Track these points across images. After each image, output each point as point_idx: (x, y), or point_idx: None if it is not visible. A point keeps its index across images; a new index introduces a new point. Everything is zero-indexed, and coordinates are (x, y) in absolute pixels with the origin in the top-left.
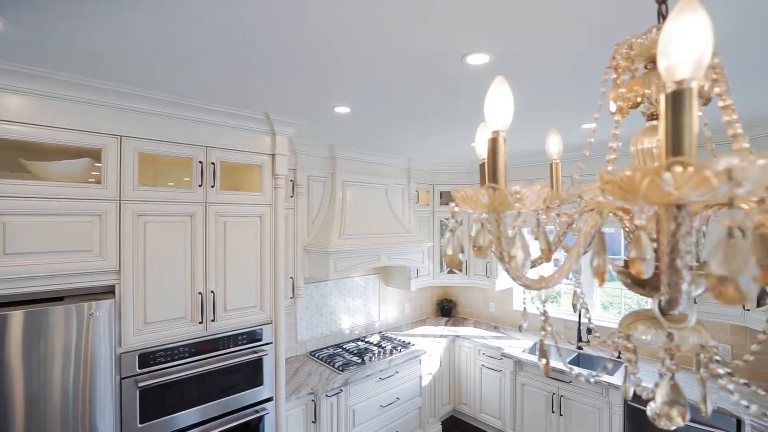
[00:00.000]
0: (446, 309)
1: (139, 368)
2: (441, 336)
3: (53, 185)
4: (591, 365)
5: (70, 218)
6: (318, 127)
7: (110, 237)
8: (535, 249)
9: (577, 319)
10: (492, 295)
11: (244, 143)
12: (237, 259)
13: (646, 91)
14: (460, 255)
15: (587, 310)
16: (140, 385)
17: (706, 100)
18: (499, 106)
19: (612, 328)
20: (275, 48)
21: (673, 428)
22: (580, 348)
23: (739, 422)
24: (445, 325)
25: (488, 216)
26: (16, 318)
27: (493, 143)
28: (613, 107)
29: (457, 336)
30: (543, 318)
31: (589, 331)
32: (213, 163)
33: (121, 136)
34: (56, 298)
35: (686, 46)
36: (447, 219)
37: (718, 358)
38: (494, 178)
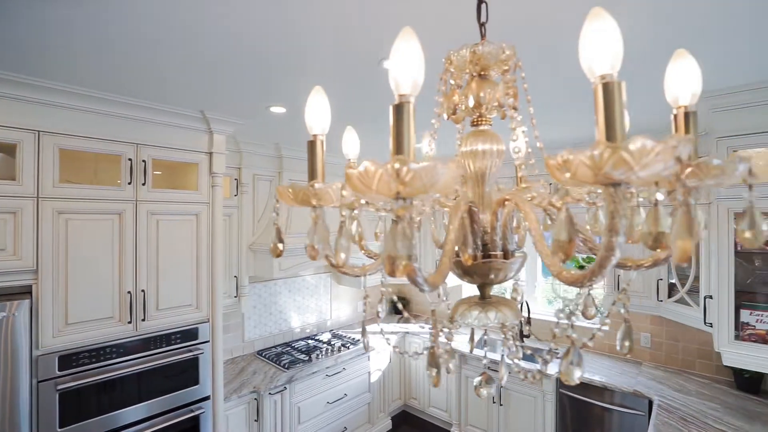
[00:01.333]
0: (399, 306)
1: (59, 370)
2: (392, 333)
3: None
4: (532, 357)
5: None
6: (259, 126)
7: (27, 235)
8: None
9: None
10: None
11: (178, 141)
12: (171, 258)
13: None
14: (280, 245)
15: (528, 306)
16: (59, 387)
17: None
18: (317, 113)
19: (543, 321)
20: (205, 47)
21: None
22: (522, 341)
23: (650, 402)
24: (398, 322)
25: (317, 211)
26: None
27: (311, 146)
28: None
29: (407, 332)
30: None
31: (529, 319)
32: (144, 161)
33: (38, 131)
34: None
35: (405, 71)
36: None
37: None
38: (313, 175)
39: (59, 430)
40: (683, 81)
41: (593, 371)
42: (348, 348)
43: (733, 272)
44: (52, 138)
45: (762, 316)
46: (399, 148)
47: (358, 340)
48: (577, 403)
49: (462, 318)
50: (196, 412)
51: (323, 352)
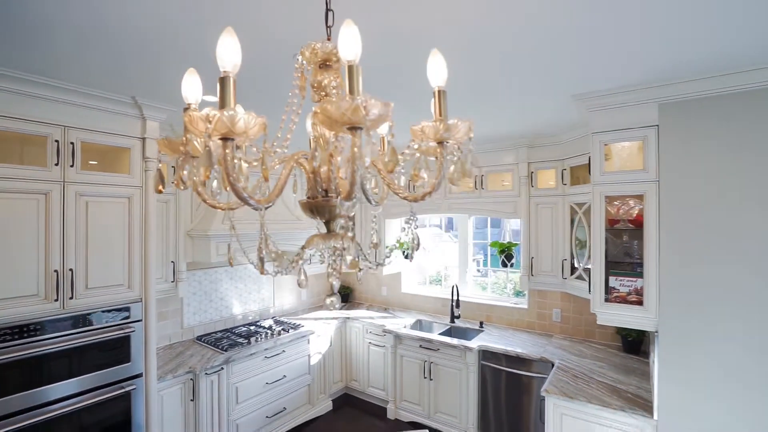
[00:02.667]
0: (343, 295)
1: None
2: (333, 318)
3: None
4: (461, 335)
5: None
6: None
7: None
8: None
9: (451, 299)
10: (384, 279)
11: (109, 125)
12: (102, 239)
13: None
14: (160, 186)
15: (457, 293)
16: None
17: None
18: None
19: (481, 303)
20: (131, 33)
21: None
22: (453, 321)
23: (553, 365)
24: (341, 309)
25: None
26: None
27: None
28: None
29: (348, 318)
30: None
31: (457, 303)
32: (72, 143)
33: None
34: None
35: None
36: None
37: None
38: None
39: None
40: (436, 71)
41: (511, 344)
42: (288, 332)
43: (604, 246)
44: None
45: (624, 281)
46: (223, 104)
47: (299, 324)
48: (495, 371)
49: (314, 244)
50: (128, 389)
51: (263, 336)
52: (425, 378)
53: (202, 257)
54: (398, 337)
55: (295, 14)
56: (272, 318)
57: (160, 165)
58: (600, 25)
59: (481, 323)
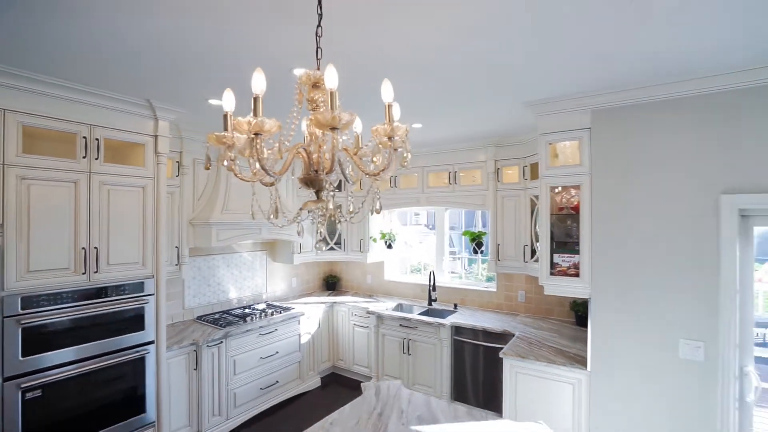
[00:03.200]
0: (331, 283)
1: (22, 309)
2: (321, 303)
3: None
4: (437, 315)
5: None
6: (200, 115)
7: None
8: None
9: (428, 286)
10: (368, 268)
11: (127, 124)
12: (121, 222)
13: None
14: (207, 164)
15: (433, 278)
16: (22, 323)
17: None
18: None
19: (456, 288)
20: (149, 48)
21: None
22: (430, 304)
23: (514, 335)
24: (328, 296)
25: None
26: None
27: (225, 117)
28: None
29: (335, 302)
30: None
31: (434, 287)
32: (97, 139)
33: (4, 109)
34: None
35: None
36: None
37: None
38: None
39: (21, 358)
40: (385, 92)
41: (480, 321)
42: (280, 313)
43: (550, 229)
44: (15, 115)
45: (565, 257)
46: (255, 113)
47: (291, 308)
48: (465, 345)
49: (308, 207)
50: (142, 353)
51: (257, 316)
52: (404, 353)
53: (204, 243)
54: (380, 318)
55: (286, 40)
56: (265, 303)
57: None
58: (538, 50)
59: (455, 305)
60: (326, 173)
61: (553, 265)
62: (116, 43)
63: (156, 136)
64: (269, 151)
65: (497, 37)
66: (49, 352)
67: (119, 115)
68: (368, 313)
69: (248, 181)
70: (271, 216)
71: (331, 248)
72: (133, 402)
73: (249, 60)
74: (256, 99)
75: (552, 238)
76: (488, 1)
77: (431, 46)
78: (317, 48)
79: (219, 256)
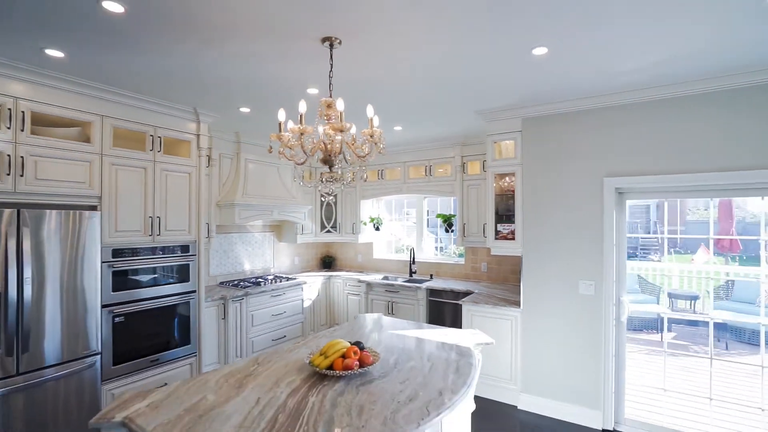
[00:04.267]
0: (327, 262)
1: (113, 258)
2: (320, 275)
3: (59, 141)
4: (416, 283)
5: (74, 162)
6: (231, 119)
7: (96, 175)
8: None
9: (410, 261)
10: (359, 248)
11: (179, 126)
12: (174, 199)
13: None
14: (269, 150)
15: (413, 254)
16: (113, 268)
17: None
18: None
19: (431, 262)
20: (204, 74)
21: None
22: (411, 276)
23: (472, 293)
24: (326, 272)
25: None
26: (49, 213)
27: (280, 125)
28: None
29: (332, 276)
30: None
31: (413, 261)
32: (159, 137)
33: (103, 115)
34: (67, 207)
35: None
36: (327, 193)
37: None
38: (280, 130)
39: (112, 293)
40: (369, 112)
41: (451, 285)
42: (287, 280)
43: (494, 206)
44: (109, 120)
45: (505, 226)
46: (302, 122)
47: (295, 278)
48: (437, 303)
49: (323, 176)
50: (187, 299)
51: (269, 282)
52: (389, 313)
53: (228, 221)
54: (369, 285)
55: (301, 71)
56: (272, 275)
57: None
58: (485, 75)
59: (431, 275)
60: (335, 156)
61: (497, 232)
62: (182, 71)
63: (198, 135)
64: (297, 144)
65: (451, 66)
66: (129, 291)
67: (173, 120)
68: (359, 282)
69: (291, 161)
70: (302, 180)
71: (328, 231)
72: (182, 335)
73: (275, 83)
74: (301, 116)
75: (496, 212)
76: (441, 45)
77: (403, 74)
78: (330, 82)
79: (236, 234)
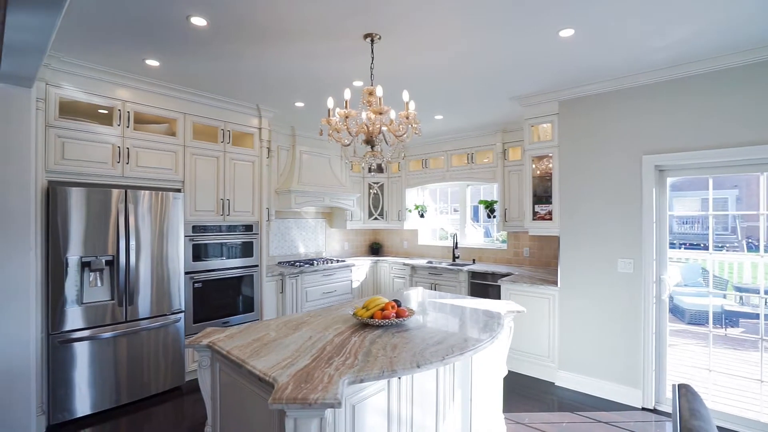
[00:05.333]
0: (375, 249)
1: (192, 232)
2: (368, 259)
3: (153, 135)
4: (459, 266)
5: (163, 152)
6: (288, 114)
7: (180, 163)
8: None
9: (453, 246)
10: (405, 235)
11: (244, 121)
12: (240, 183)
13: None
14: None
15: (456, 239)
16: (193, 242)
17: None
18: (330, 105)
19: (474, 248)
20: (264, 74)
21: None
22: (454, 260)
23: (511, 274)
24: (373, 257)
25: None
26: (145, 193)
27: (329, 111)
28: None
29: (378, 260)
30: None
31: (456, 246)
32: (229, 131)
33: (185, 113)
34: (158, 189)
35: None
36: (374, 183)
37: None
38: (329, 114)
39: (192, 262)
40: (405, 97)
41: (493, 269)
42: (337, 262)
43: (532, 188)
44: (190, 117)
45: (543, 207)
46: (347, 107)
47: (345, 261)
48: (479, 285)
49: (368, 156)
50: (252, 272)
51: (321, 262)
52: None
53: (285, 206)
54: (414, 268)
55: (347, 66)
56: (324, 258)
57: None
58: (516, 61)
59: (474, 260)
60: (376, 136)
61: (534, 213)
62: (248, 71)
63: (260, 129)
64: (343, 127)
65: (483, 55)
66: (205, 261)
67: (240, 115)
68: (404, 265)
69: (338, 142)
70: (350, 162)
71: (375, 218)
72: (246, 303)
73: (325, 78)
74: (346, 102)
75: (534, 194)
76: (472, 35)
77: (439, 65)
78: (371, 73)
79: (292, 220)
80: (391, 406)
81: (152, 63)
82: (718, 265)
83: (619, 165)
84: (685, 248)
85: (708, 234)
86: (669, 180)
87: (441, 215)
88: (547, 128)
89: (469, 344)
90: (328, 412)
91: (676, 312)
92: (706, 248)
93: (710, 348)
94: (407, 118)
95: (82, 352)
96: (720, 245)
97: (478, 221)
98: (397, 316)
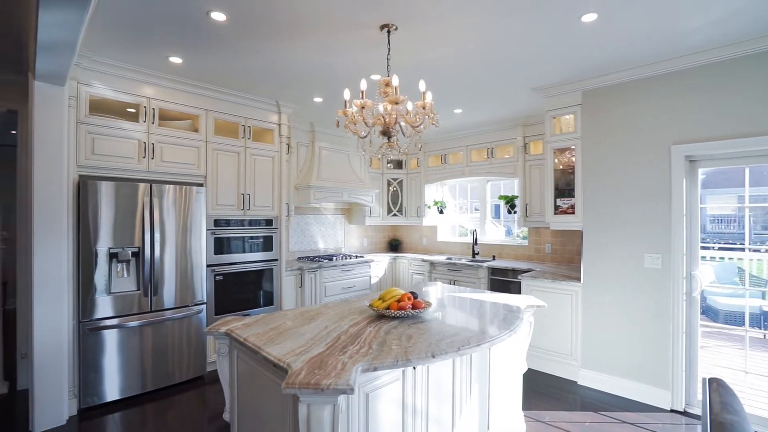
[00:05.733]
0: (394, 245)
1: (213, 226)
2: (387, 255)
3: (176, 131)
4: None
5: (186, 147)
6: (306, 109)
7: (202, 158)
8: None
9: (472, 243)
10: (424, 232)
11: (264, 117)
12: (260, 178)
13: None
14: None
15: (476, 235)
16: (214, 235)
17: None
18: (347, 98)
19: (494, 244)
20: (282, 69)
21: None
22: (473, 257)
23: (531, 270)
24: (392, 253)
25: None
26: (170, 187)
27: (345, 103)
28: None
29: (397, 256)
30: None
31: (476, 242)
32: (250, 127)
33: (207, 110)
34: (181, 183)
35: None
36: (393, 179)
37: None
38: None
39: (213, 255)
40: (421, 86)
41: (513, 265)
42: (356, 258)
43: (554, 181)
44: (212, 113)
45: (565, 200)
46: (363, 98)
47: (364, 257)
48: (499, 281)
49: (384, 147)
50: (271, 266)
51: (340, 258)
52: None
53: (304, 201)
54: (433, 264)
55: (363, 58)
56: (343, 254)
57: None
58: (537, 50)
59: (494, 257)
60: (392, 127)
61: (556, 207)
62: (266, 67)
63: (280, 124)
64: (360, 118)
65: (503, 45)
66: (226, 255)
67: (260, 111)
68: (423, 261)
69: (355, 133)
70: (365, 151)
71: (394, 214)
72: (266, 297)
73: (342, 71)
74: (362, 92)
75: (556, 188)
76: (490, 24)
77: (457, 55)
78: (387, 64)
79: (311, 216)
80: (406, 396)
81: (175, 60)
82: (756, 264)
83: (646, 156)
84: (719, 248)
85: (744, 233)
86: (700, 171)
87: (461, 213)
88: (569, 119)
89: (486, 336)
90: (342, 399)
91: (709, 312)
92: (742, 248)
93: (746, 350)
94: (424, 108)
95: (110, 339)
96: (759, 243)
97: (498, 218)
98: (414, 307)
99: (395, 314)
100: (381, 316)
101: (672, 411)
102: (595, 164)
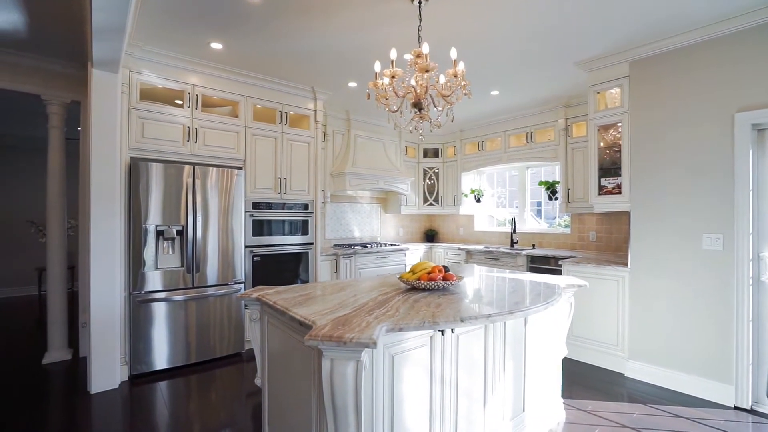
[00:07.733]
0: (430, 236)
1: (252, 208)
2: (422, 244)
3: (218, 117)
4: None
5: (227, 132)
6: (341, 96)
7: (241, 143)
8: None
9: (510, 231)
10: (460, 221)
11: (300, 103)
12: (297, 163)
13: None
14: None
15: (514, 224)
16: (252, 218)
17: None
18: (377, 71)
19: (534, 233)
20: (318, 53)
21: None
22: (512, 246)
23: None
24: (428, 243)
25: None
26: (212, 169)
27: (376, 74)
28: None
29: (433, 246)
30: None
31: (514, 230)
32: (287, 113)
33: (246, 96)
34: (222, 166)
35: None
36: (429, 168)
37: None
38: (376, 77)
39: (252, 237)
40: (453, 55)
41: (554, 253)
42: (391, 246)
43: (597, 160)
44: (251, 100)
45: (610, 180)
46: (392, 66)
47: (399, 245)
48: (539, 270)
49: (413, 117)
50: (307, 249)
51: (375, 246)
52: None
53: (339, 188)
54: (469, 253)
55: (395, 35)
56: (378, 242)
57: (323, 125)
58: (581, 18)
59: (533, 245)
60: (423, 98)
61: (600, 188)
62: (301, 49)
63: (315, 111)
64: (391, 91)
65: (545, 13)
66: (263, 237)
67: (296, 98)
68: (459, 250)
69: (386, 107)
70: (399, 117)
71: (430, 204)
72: (302, 280)
73: (375, 50)
74: (392, 62)
75: (600, 167)
76: None
77: (494, 26)
78: (419, 36)
79: (347, 204)
80: (434, 364)
81: (216, 46)
82: None
83: (704, 126)
84: None
85: None
86: None
87: (499, 208)
88: (615, 93)
89: (520, 307)
90: (365, 356)
91: None
92: None
93: None
94: (455, 76)
95: (158, 311)
96: None
97: (539, 211)
98: (444, 279)
99: (426, 285)
100: (411, 288)
101: (736, 408)
102: (644, 140)
